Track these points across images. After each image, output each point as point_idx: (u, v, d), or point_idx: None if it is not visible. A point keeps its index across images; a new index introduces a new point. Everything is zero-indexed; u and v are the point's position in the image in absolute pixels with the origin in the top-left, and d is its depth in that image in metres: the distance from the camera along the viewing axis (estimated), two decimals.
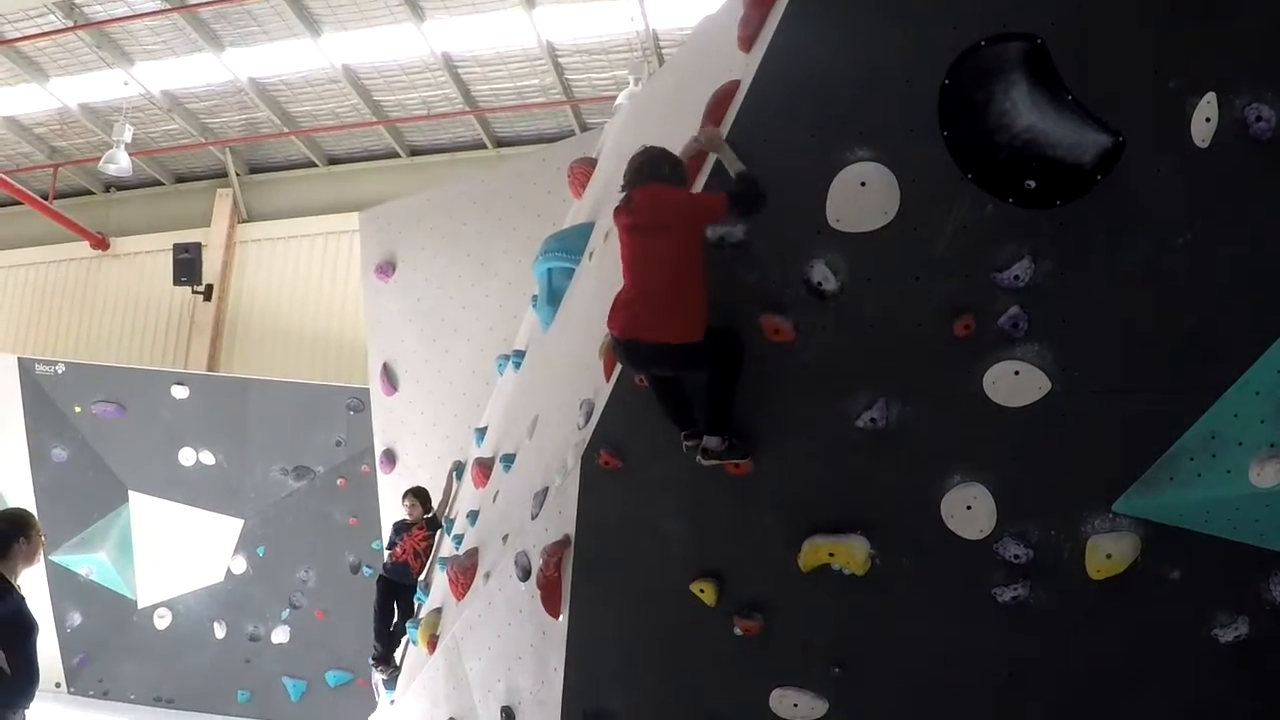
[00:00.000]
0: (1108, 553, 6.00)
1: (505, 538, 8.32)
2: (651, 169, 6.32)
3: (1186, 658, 6.22)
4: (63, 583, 20.14)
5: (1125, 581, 6.04)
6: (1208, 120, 5.33)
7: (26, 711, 7.47)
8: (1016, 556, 6.14)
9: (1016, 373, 5.87)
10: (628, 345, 6.23)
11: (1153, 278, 5.61)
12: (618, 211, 6.35)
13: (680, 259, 6.06)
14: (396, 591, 12.39)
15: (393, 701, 11.65)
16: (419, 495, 12.42)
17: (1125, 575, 6.03)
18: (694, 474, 6.44)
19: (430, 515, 12.34)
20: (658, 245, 6.10)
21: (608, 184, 9.36)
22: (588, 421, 7.00)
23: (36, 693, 7.47)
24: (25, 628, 7.41)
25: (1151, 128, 5.46)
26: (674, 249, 6.06)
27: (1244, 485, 5.34)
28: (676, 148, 6.65)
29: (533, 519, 7.59)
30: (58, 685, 19.87)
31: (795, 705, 6.73)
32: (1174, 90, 5.42)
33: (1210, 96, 5.32)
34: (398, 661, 12.34)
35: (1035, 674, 6.43)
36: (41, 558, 7.65)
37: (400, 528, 12.43)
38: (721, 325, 6.18)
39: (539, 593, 7.28)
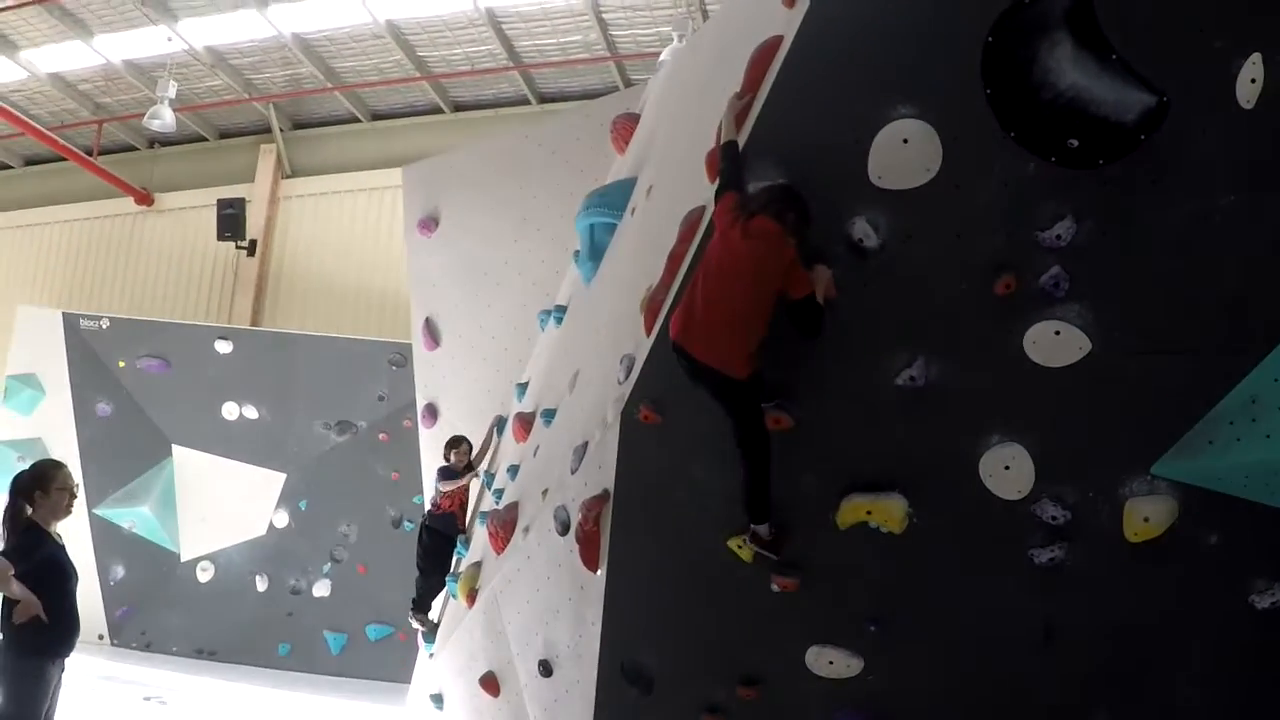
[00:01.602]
0: (1145, 516, 5.96)
1: (545, 492, 8.35)
2: (785, 205, 6.15)
3: (1222, 623, 6.18)
4: (106, 536, 20.41)
5: (1162, 545, 6.00)
6: (1253, 81, 5.27)
7: (67, 660, 7.55)
8: (1054, 518, 6.12)
9: (1057, 333, 5.83)
10: (682, 356, 6.26)
11: (1195, 239, 5.55)
12: (730, 212, 6.22)
13: (758, 308, 6.09)
14: (445, 543, 12.45)
15: (431, 655, 11.73)
16: (470, 448, 12.49)
17: (1162, 539, 5.98)
18: (730, 428, 6.45)
19: (467, 463, 12.41)
20: (743, 285, 6.10)
21: (650, 140, 9.36)
22: (628, 376, 7.01)
23: (77, 642, 7.55)
24: (62, 575, 7.48)
25: (1196, 88, 5.40)
26: (756, 297, 6.08)
27: None
28: (718, 102, 6.65)
29: (572, 473, 7.62)
30: (100, 637, 20.15)
31: (831, 662, 6.75)
32: (1219, 50, 5.36)
33: (1256, 57, 5.25)
34: (435, 615, 12.41)
35: (1070, 636, 6.41)
36: (71, 511, 7.69)
37: (448, 474, 12.46)
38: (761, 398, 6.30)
39: (577, 547, 7.31)
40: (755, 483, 6.35)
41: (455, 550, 11.99)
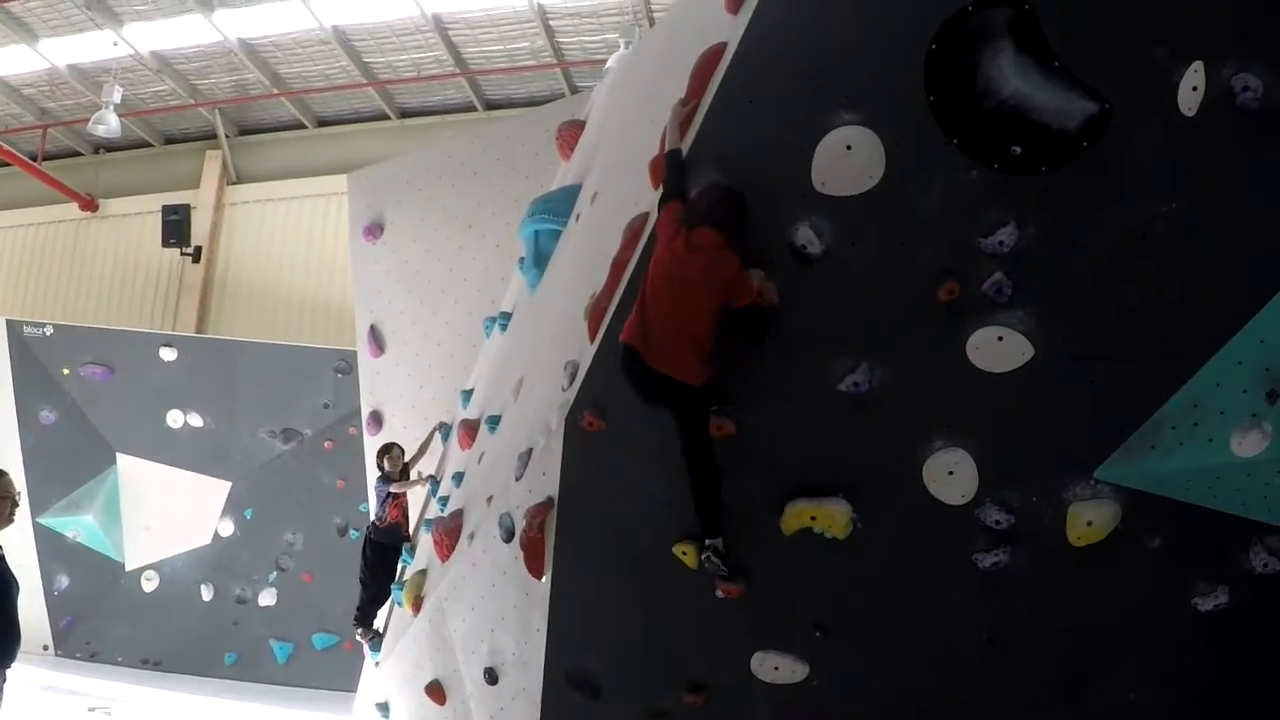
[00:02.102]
0: (1089, 520, 6.01)
1: (489, 499, 8.33)
2: (726, 213, 6.14)
3: (1166, 626, 6.25)
4: (50, 545, 20.22)
5: (1106, 549, 6.06)
6: (1195, 89, 5.31)
7: (8, 671, 7.46)
8: (998, 522, 6.15)
9: (1000, 338, 5.85)
10: (632, 361, 6.24)
11: (1137, 246, 5.60)
12: (674, 222, 6.22)
13: (708, 318, 6.08)
14: (390, 555, 12.45)
15: (377, 663, 11.70)
16: (401, 451, 12.50)
17: (1106, 542, 6.04)
18: (678, 437, 6.45)
19: (404, 465, 12.44)
20: (692, 296, 6.09)
21: (595, 146, 9.36)
22: (572, 383, 6.99)
23: (19, 653, 7.47)
24: (2, 586, 7.40)
25: (1138, 96, 5.44)
26: (706, 309, 6.07)
27: (1225, 454, 5.34)
28: (662, 108, 6.65)
29: (517, 480, 7.60)
30: (45, 648, 19.96)
31: (776, 668, 6.75)
32: (1161, 58, 5.40)
33: (1197, 65, 5.30)
34: (379, 625, 12.41)
35: (1015, 639, 6.45)
36: (14, 519, 7.59)
37: (388, 480, 12.46)
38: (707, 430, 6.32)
39: (522, 554, 7.28)
40: (706, 493, 6.33)
41: (400, 559, 11.98)
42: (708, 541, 6.39)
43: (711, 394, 6.27)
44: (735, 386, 6.35)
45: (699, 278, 6.03)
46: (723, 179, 6.21)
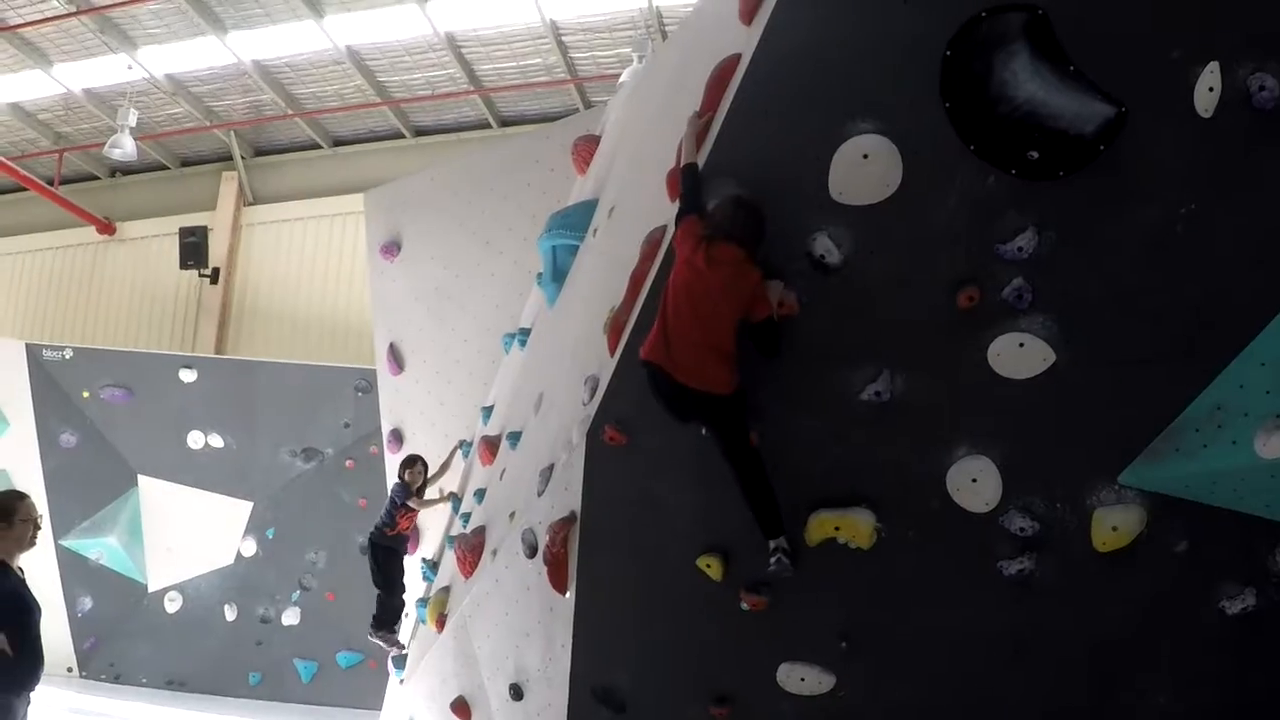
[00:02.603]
0: (1113, 525, 5.99)
1: (512, 515, 8.33)
2: (745, 226, 6.15)
3: (1193, 630, 6.20)
4: (73, 567, 20.24)
5: (1131, 554, 6.02)
6: (1211, 90, 5.30)
7: (32, 694, 7.46)
8: (1022, 529, 6.13)
9: (1021, 345, 5.85)
10: (655, 376, 6.25)
11: (1157, 248, 5.58)
12: (692, 237, 6.22)
13: (730, 329, 6.10)
14: (397, 557, 12.48)
15: (402, 681, 11.68)
16: (425, 466, 12.52)
17: (1131, 547, 6.01)
18: (699, 449, 6.45)
19: (423, 482, 12.46)
20: (715, 310, 6.10)
21: (611, 161, 9.35)
22: (592, 397, 7.00)
23: (42, 675, 7.47)
24: (24, 609, 7.39)
25: (1154, 98, 5.43)
26: (728, 320, 6.09)
27: (1250, 456, 5.32)
28: (678, 121, 6.65)
29: (539, 496, 7.60)
30: (69, 670, 19.98)
31: (803, 679, 6.73)
32: (1177, 60, 5.39)
33: (1213, 66, 5.29)
34: (402, 639, 12.40)
35: (1041, 647, 6.41)
36: (35, 542, 7.60)
37: (404, 491, 12.47)
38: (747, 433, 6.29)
39: (545, 569, 7.28)
40: (759, 496, 6.32)
41: (423, 577, 12.01)
42: (772, 544, 6.36)
43: (743, 400, 6.25)
44: (757, 398, 6.33)
45: (720, 292, 6.04)
46: (740, 191, 6.22)
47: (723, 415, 6.26)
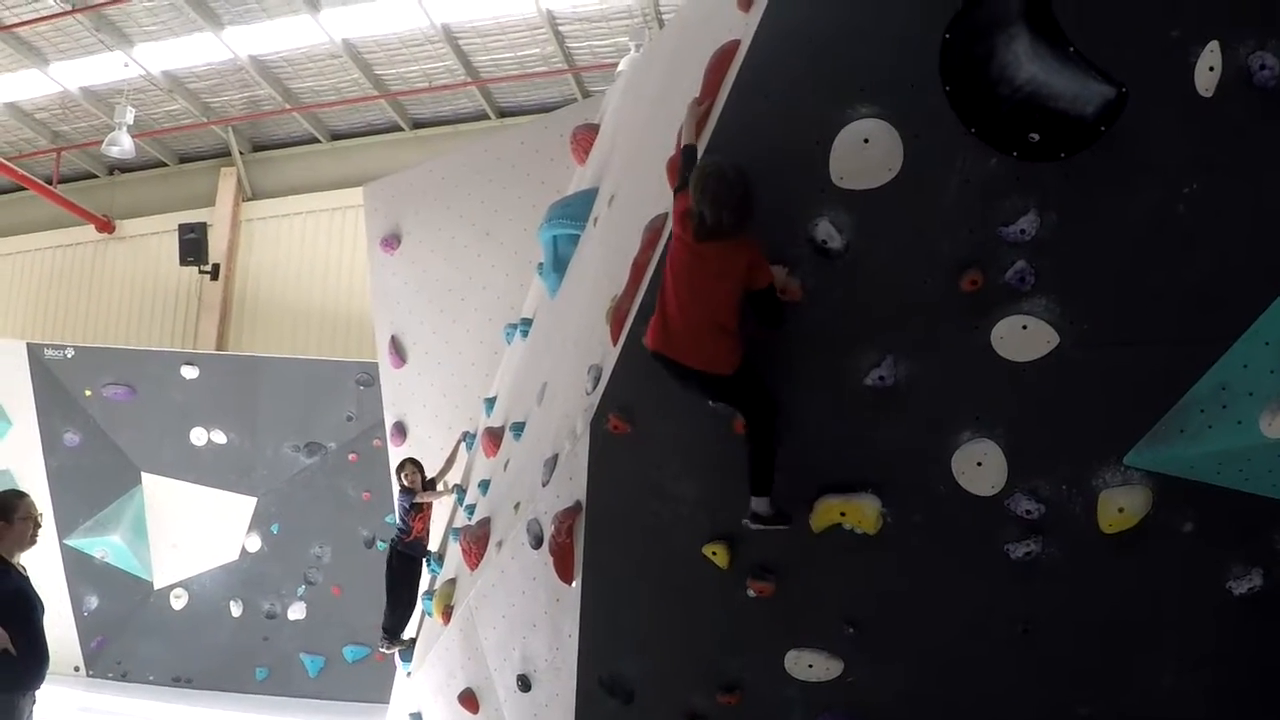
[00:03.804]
0: (1119, 506, 5.98)
1: (517, 506, 8.32)
2: (731, 215, 5.96)
3: (1200, 611, 6.21)
4: (78, 566, 20.28)
5: (1138, 535, 6.02)
6: (1211, 69, 5.29)
7: (37, 693, 7.48)
8: (1028, 512, 6.12)
9: (1025, 327, 5.83)
10: (664, 361, 6.21)
11: (1159, 229, 5.57)
12: (685, 219, 6.15)
13: (729, 305, 6.04)
14: (417, 566, 12.48)
15: (409, 674, 11.69)
16: (417, 464, 12.53)
17: (1137, 529, 6.00)
18: (703, 436, 6.45)
19: (431, 479, 12.47)
20: (713, 286, 6.05)
21: (610, 149, 9.34)
22: (596, 387, 6.99)
23: (47, 674, 7.49)
24: (28, 607, 7.41)
25: (1155, 78, 5.42)
26: (726, 296, 6.03)
27: (1255, 436, 5.32)
28: (677, 109, 6.64)
29: (543, 486, 7.59)
30: (76, 669, 20.02)
31: (810, 666, 6.73)
32: (1177, 39, 5.38)
33: (1214, 45, 5.28)
34: (407, 635, 12.42)
35: (1049, 629, 6.41)
36: (36, 540, 7.62)
37: (410, 494, 12.50)
38: (757, 378, 6.21)
39: (551, 560, 7.28)
40: (761, 456, 6.25)
41: (429, 568, 12.02)
42: (752, 502, 6.26)
43: (750, 375, 6.17)
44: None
45: (716, 265, 6.01)
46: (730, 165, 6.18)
47: (730, 393, 6.22)
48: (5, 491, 7.87)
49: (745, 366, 6.12)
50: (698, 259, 6.06)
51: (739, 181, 5.96)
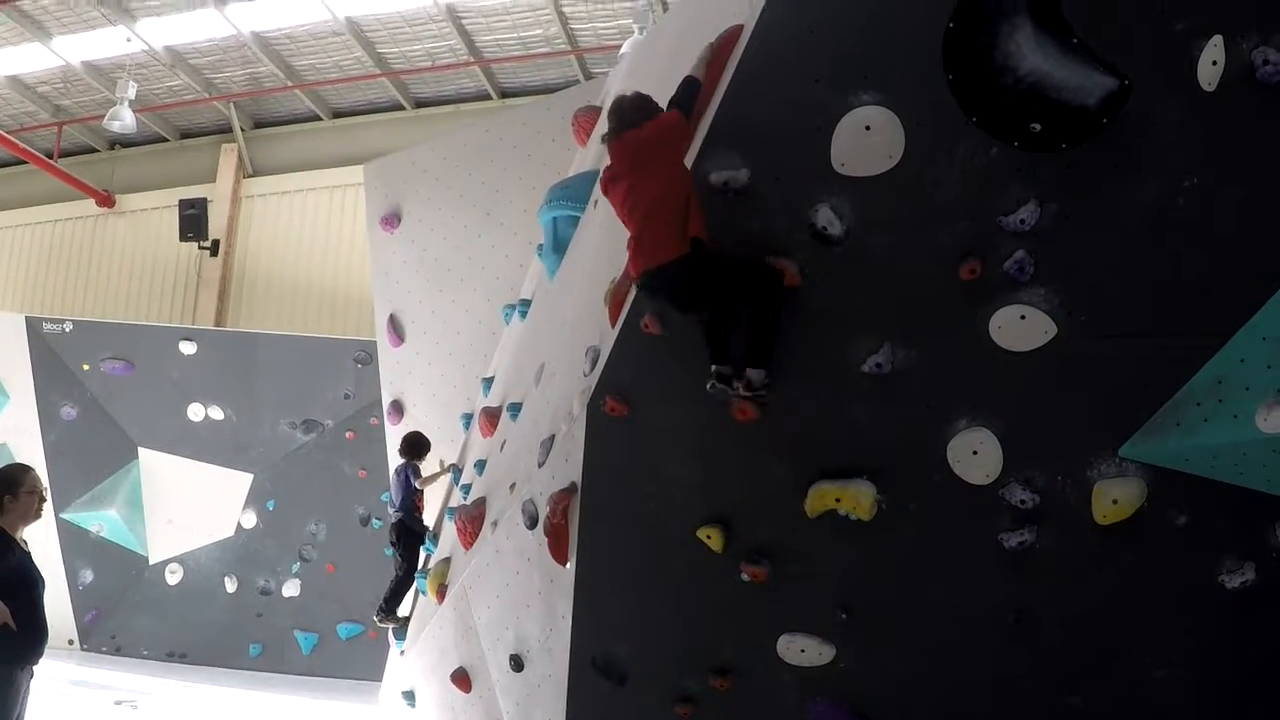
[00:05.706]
0: (1114, 498, 5.98)
1: (512, 486, 8.34)
2: (619, 120, 6.40)
3: (1193, 603, 6.22)
4: (74, 540, 20.30)
5: (1131, 527, 6.02)
6: (1214, 63, 5.28)
7: (35, 667, 7.48)
8: (1023, 502, 6.14)
9: (1023, 317, 5.83)
10: (643, 279, 6.20)
11: (1159, 222, 5.57)
12: (603, 174, 6.39)
13: (664, 182, 6.09)
14: (420, 541, 12.50)
15: (402, 652, 11.71)
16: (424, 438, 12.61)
17: (1131, 521, 6.01)
18: (700, 420, 6.46)
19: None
20: (641, 182, 6.14)
21: None
22: (593, 368, 6.99)
23: (46, 649, 7.49)
24: (29, 582, 7.41)
25: (1158, 71, 5.41)
26: (656, 179, 6.10)
27: (1250, 430, 5.31)
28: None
29: (539, 467, 7.61)
30: (70, 642, 20.06)
31: (802, 650, 6.76)
32: (1181, 33, 5.37)
33: (1217, 39, 5.27)
34: (401, 613, 12.43)
35: (1041, 619, 6.43)
36: (41, 514, 7.62)
37: (410, 479, 12.51)
38: (754, 259, 6.16)
39: (546, 540, 7.30)
40: (762, 325, 6.18)
41: (424, 547, 12.05)
42: (748, 372, 6.18)
43: (703, 253, 6.05)
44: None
45: (632, 152, 6.25)
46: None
47: (699, 276, 6.13)
48: (10, 465, 7.86)
49: (696, 246, 6.03)
50: (620, 163, 6.30)
51: (635, 95, 6.44)
